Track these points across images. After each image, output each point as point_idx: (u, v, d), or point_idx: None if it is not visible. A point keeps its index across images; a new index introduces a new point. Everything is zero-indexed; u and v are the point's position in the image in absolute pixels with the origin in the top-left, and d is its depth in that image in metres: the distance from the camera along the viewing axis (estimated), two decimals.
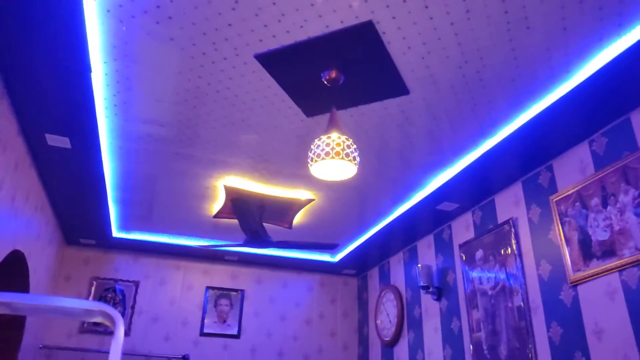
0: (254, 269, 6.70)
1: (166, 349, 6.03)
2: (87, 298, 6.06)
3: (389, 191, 4.55)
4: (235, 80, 3.06)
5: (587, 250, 3.36)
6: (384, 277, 6.34)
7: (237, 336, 6.29)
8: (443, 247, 5.15)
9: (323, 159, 2.63)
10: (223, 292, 6.43)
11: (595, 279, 3.27)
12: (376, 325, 6.20)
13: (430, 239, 5.41)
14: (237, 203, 4.30)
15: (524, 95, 3.15)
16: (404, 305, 5.72)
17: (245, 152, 3.92)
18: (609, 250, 3.19)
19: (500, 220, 4.33)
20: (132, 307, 6.14)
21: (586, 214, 3.42)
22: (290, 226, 5.25)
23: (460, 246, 4.78)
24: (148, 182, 4.46)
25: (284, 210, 4.88)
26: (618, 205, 3.18)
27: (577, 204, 3.50)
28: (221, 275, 6.54)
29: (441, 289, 5.03)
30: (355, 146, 2.75)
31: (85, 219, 5.33)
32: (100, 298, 6.13)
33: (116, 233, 5.77)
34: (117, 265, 6.29)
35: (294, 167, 4.12)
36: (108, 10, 2.55)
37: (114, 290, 6.22)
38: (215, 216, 5.08)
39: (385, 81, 3.03)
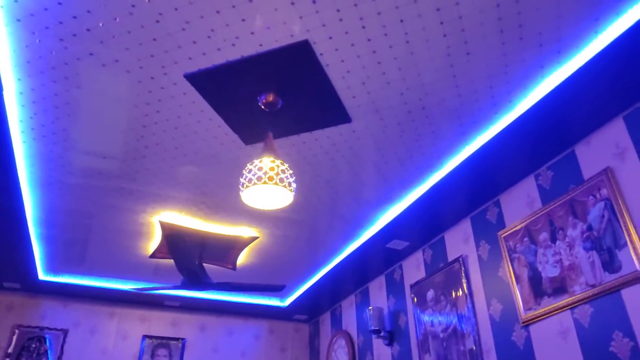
0: (197, 315, 6.24)
1: None
2: (7, 348, 5.44)
3: (338, 228, 4.34)
4: (164, 102, 2.84)
5: (537, 287, 3.22)
6: (336, 322, 6.02)
7: None
8: (394, 288, 4.93)
9: (255, 184, 2.41)
10: (162, 342, 5.92)
11: (546, 318, 3.11)
12: None
13: (381, 279, 5.19)
14: (173, 240, 3.97)
15: (467, 126, 3.06)
16: (356, 352, 5.40)
17: (181, 184, 3.65)
18: (559, 287, 3.06)
19: (450, 258, 4.18)
20: (59, 359, 5.54)
21: (535, 249, 3.30)
22: (234, 267, 4.93)
23: (412, 286, 4.58)
24: (77, 217, 4.09)
25: (225, 249, 4.57)
26: (567, 240, 3.08)
27: (526, 239, 3.39)
28: (160, 323, 6.04)
29: (393, 333, 4.77)
30: (291, 171, 2.55)
31: (7, 259, 4.83)
32: (22, 348, 5.52)
33: (43, 276, 5.26)
34: (44, 311, 5.71)
35: (234, 200, 3.87)
36: (18, 20, 2.31)
37: (39, 340, 5.62)
38: (152, 256, 4.71)
39: (326, 107, 2.88)
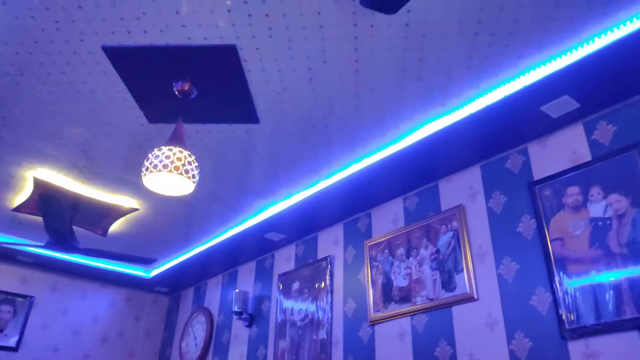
0: (49, 274, 5.91)
1: None
2: None
3: (219, 213, 4.49)
4: (73, 67, 2.75)
5: (388, 293, 3.74)
6: (199, 299, 6.16)
7: (14, 349, 5.41)
8: (263, 275, 5.23)
9: (160, 170, 2.50)
10: (7, 297, 5.52)
11: (390, 320, 3.65)
12: (180, 347, 5.94)
13: (252, 265, 5.46)
14: (46, 200, 3.79)
15: (358, 147, 3.44)
16: (214, 329, 5.61)
17: (67, 145, 3.51)
18: (405, 297, 3.61)
19: (320, 256, 4.59)
20: None
21: (392, 261, 3.82)
22: (104, 233, 4.81)
23: (280, 276, 4.92)
24: None
25: (101, 215, 4.46)
26: (418, 258, 3.63)
27: (386, 251, 3.90)
28: (8, 277, 5.61)
29: (254, 316, 5.08)
30: (196, 164, 2.67)
31: None
32: None
33: None
34: None
35: (122, 171, 3.82)
36: None
37: None
38: (16, 209, 4.40)
39: (238, 106, 3.04)
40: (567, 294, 2.71)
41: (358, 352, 3.81)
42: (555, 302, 2.75)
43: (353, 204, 4.21)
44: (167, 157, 2.52)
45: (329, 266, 4.40)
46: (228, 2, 2.33)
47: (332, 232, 4.55)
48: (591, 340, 2.56)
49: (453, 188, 3.63)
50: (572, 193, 2.88)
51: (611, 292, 2.55)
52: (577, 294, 2.68)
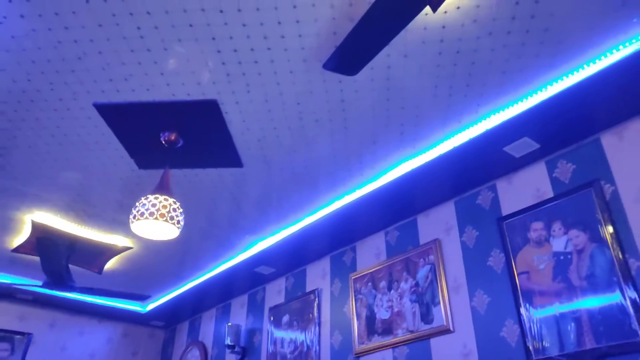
0: (49, 311, 6.04)
1: None
2: None
3: (211, 249, 4.66)
4: (67, 121, 2.97)
5: (371, 326, 3.88)
6: (193, 332, 6.26)
7: None
8: (255, 308, 5.36)
9: (146, 218, 2.68)
10: (5, 335, 5.63)
11: (374, 352, 3.78)
12: None
13: (244, 298, 5.59)
14: (43, 242, 3.97)
15: (339, 186, 3.63)
16: None
17: (63, 190, 3.71)
18: (387, 329, 3.75)
19: (308, 289, 4.73)
20: None
21: (375, 294, 3.97)
22: (100, 271, 4.97)
23: (271, 309, 5.05)
24: None
25: (96, 254, 4.63)
26: (399, 291, 3.79)
27: (370, 284, 4.05)
28: (7, 315, 5.74)
29: (246, 349, 5.19)
30: (181, 210, 2.86)
31: None
32: None
33: None
34: None
35: (115, 213, 4.01)
36: None
37: None
38: (15, 250, 4.58)
39: (222, 152, 3.24)
40: (533, 325, 2.86)
41: None
42: (523, 334, 2.89)
43: (338, 238, 4.38)
44: (153, 205, 2.72)
45: (316, 299, 4.54)
46: (209, 64, 2.56)
47: (320, 266, 4.71)
48: None
49: (430, 223, 3.80)
50: (537, 228, 3.06)
51: (572, 323, 2.71)
52: (543, 325, 2.83)
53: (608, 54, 2.52)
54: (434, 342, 3.39)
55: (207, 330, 6.00)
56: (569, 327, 2.71)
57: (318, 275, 4.69)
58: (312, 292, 4.62)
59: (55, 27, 2.34)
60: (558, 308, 2.80)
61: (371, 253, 4.20)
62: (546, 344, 2.78)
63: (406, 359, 3.52)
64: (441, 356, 3.31)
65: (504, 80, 2.68)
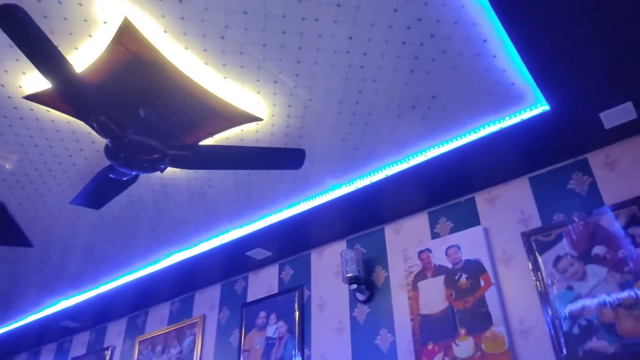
0: None
1: None
2: None
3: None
4: None
5: None
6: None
7: None
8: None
9: None
10: None
11: None
12: None
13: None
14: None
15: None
16: None
17: None
18: None
19: (106, 344, 5.30)
20: None
21: (151, 356, 4.70)
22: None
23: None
24: None
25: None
26: (168, 355, 4.55)
27: (150, 347, 4.77)
28: None
29: None
30: None
31: None
32: None
33: None
34: None
35: None
36: None
37: None
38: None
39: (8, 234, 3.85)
40: None
41: None
42: None
43: (135, 304, 5.05)
44: None
45: (109, 354, 5.13)
46: None
47: (118, 325, 5.32)
48: None
49: (202, 300, 4.65)
50: (261, 316, 4.05)
51: None
52: None
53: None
54: None
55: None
56: None
57: (115, 333, 5.29)
58: (107, 348, 5.21)
59: None
60: None
61: (156, 319, 4.94)
62: None
63: None
64: None
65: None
